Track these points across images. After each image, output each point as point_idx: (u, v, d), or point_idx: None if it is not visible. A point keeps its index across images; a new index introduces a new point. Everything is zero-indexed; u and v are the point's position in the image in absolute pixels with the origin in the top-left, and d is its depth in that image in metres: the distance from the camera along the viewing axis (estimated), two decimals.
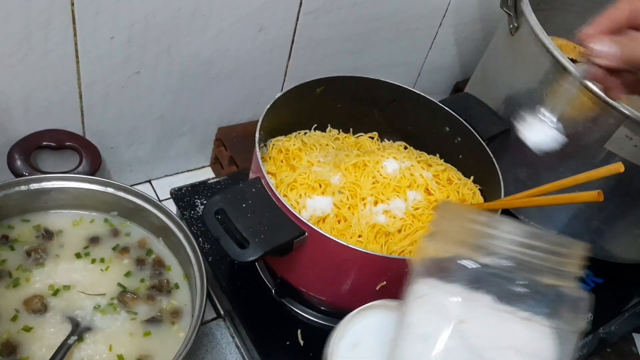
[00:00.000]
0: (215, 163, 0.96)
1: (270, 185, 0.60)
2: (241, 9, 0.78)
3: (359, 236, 0.66)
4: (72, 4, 0.65)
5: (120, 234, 0.75)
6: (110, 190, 0.73)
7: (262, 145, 0.75)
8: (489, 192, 0.76)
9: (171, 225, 0.72)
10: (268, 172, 0.69)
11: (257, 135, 0.65)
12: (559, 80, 0.74)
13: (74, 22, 0.66)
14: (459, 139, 0.79)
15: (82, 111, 0.76)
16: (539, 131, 0.78)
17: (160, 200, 0.90)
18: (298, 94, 0.75)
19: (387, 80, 0.81)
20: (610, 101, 0.68)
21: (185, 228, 0.71)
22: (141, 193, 0.73)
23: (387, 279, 0.58)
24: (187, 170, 0.96)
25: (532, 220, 0.84)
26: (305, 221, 0.57)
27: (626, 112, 0.67)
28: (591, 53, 0.43)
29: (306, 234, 0.57)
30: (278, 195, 0.59)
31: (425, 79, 1.12)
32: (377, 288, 0.58)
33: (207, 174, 0.97)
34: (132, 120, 0.82)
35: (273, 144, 0.74)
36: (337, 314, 0.57)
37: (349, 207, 0.67)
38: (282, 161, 0.72)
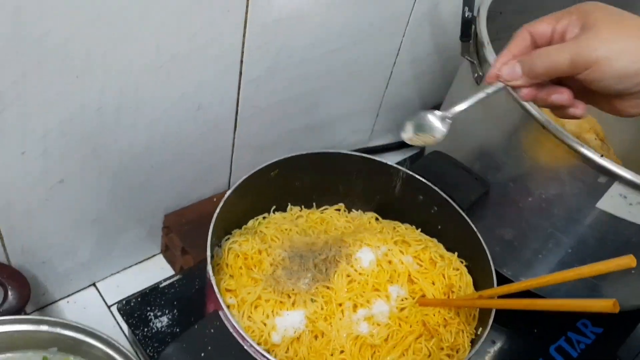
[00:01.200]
0: (167, 250, 0.86)
1: (233, 322, 0.50)
2: (173, 92, 0.68)
3: (341, 351, 0.57)
4: None
5: None
6: (44, 327, 0.62)
7: (216, 247, 0.65)
8: (475, 266, 0.69)
9: (116, 356, 0.62)
10: (227, 290, 0.59)
11: (208, 258, 0.55)
12: (535, 134, 0.67)
13: None
14: (436, 209, 0.71)
15: (1, 237, 0.65)
16: (522, 190, 0.71)
17: (109, 307, 0.81)
18: (250, 183, 0.66)
19: (348, 151, 0.74)
20: (600, 161, 0.61)
21: (133, 358, 0.61)
22: (81, 327, 0.62)
23: None
24: (136, 263, 0.85)
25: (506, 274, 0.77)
26: None
27: (619, 171, 0.61)
28: (502, 80, 0.49)
29: None
30: (242, 332, 0.50)
31: (384, 119, 1.04)
32: None
33: (158, 263, 0.86)
34: (63, 231, 0.71)
35: (229, 248, 0.64)
36: None
37: (325, 318, 0.59)
38: (240, 268, 0.63)
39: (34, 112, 0.57)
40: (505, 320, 0.78)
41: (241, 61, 0.71)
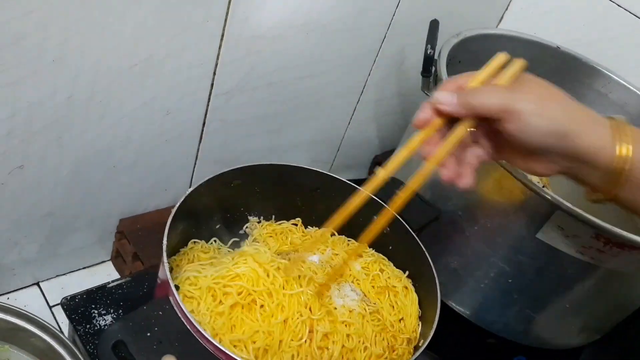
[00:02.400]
0: (117, 257, 0.85)
1: (181, 306, 0.51)
2: (145, 93, 0.69)
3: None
4: None
5: None
6: None
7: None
8: (421, 285, 0.71)
9: (59, 348, 0.61)
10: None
11: (164, 250, 0.56)
12: (489, 170, 0.71)
13: None
14: (388, 229, 0.73)
15: None
16: (469, 218, 0.74)
17: (51, 307, 0.79)
18: (209, 187, 0.67)
19: (309, 167, 0.76)
20: (541, 192, 0.66)
21: (78, 352, 0.60)
22: (18, 310, 0.61)
23: None
24: (84, 267, 0.84)
25: (467, 310, 0.80)
26: (223, 348, 0.49)
27: (557, 202, 0.65)
28: (435, 101, 0.52)
29: None
30: (190, 319, 0.50)
31: (344, 154, 1.08)
32: None
33: (106, 270, 0.85)
34: (14, 219, 0.70)
35: (186, 276, 0.64)
36: None
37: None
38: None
39: (4, 90, 0.58)
40: (444, 350, 0.80)
41: (214, 72, 0.74)
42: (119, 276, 0.85)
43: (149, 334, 0.49)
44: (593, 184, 0.52)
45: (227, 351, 0.49)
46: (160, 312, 0.50)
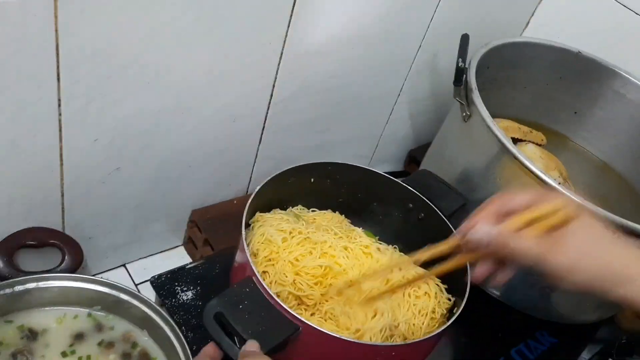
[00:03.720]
0: (188, 243, 0.98)
1: (264, 285, 0.63)
2: (217, 102, 0.82)
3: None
4: (60, 114, 0.67)
5: (104, 328, 0.76)
6: (93, 286, 0.74)
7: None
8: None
9: (153, 315, 0.74)
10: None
11: (242, 236, 0.68)
12: (507, 164, 0.82)
13: (60, 131, 0.69)
14: (422, 215, 0.85)
15: (63, 209, 0.77)
16: None
17: (136, 285, 0.92)
18: (274, 183, 0.79)
19: (353, 163, 0.87)
20: (552, 182, 0.76)
21: (169, 318, 0.73)
22: (124, 287, 0.74)
23: None
24: (161, 252, 0.98)
25: (496, 290, 0.91)
26: (299, 317, 0.61)
27: (566, 193, 0.76)
28: (465, 243, 0.57)
29: (300, 328, 0.60)
30: (271, 293, 0.62)
31: (382, 149, 1.19)
32: None
33: (179, 254, 0.99)
34: (110, 212, 0.83)
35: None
36: None
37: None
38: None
39: (110, 107, 0.71)
40: (475, 324, 0.91)
41: (273, 85, 0.86)
42: (190, 259, 0.98)
43: (241, 307, 0.61)
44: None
45: (301, 318, 0.61)
46: (247, 290, 0.63)
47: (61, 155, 0.71)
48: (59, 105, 0.66)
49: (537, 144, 0.98)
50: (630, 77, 1.04)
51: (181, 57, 0.72)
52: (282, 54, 0.82)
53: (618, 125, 1.08)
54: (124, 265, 0.94)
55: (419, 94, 1.13)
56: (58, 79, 0.64)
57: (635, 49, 1.06)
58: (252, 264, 0.65)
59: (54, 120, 0.67)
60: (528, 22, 1.16)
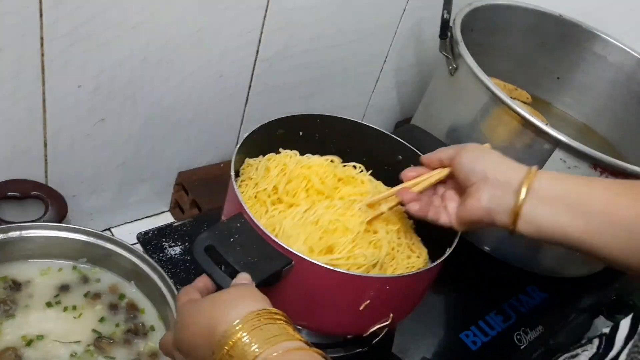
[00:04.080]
0: (175, 208, 0.97)
1: (254, 220, 0.62)
2: (203, 57, 0.81)
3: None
4: (42, 55, 0.66)
5: (90, 280, 0.74)
6: (79, 236, 0.73)
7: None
8: None
9: (145, 267, 0.73)
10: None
11: (232, 172, 0.67)
12: (496, 112, 0.82)
13: (43, 72, 0.68)
14: (411, 166, 0.84)
15: (46, 160, 0.76)
16: None
17: None
18: (262, 133, 0.79)
19: (345, 117, 0.86)
20: (543, 126, 0.77)
21: (158, 267, 0.71)
22: (112, 238, 0.73)
23: (370, 298, 0.61)
24: (147, 217, 0.96)
25: (487, 246, 0.91)
26: (292, 250, 0.60)
27: (559, 137, 0.76)
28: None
29: (293, 262, 0.59)
30: (262, 228, 0.61)
31: (368, 120, 1.18)
32: (361, 308, 0.61)
33: (167, 219, 0.97)
34: (94, 168, 0.82)
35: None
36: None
37: None
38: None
39: (94, 51, 0.70)
40: (466, 278, 0.91)
41: (259, 40, 0.86)
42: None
43: (232, 240, 0.59)
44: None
45: (294, 251, 0.60)
46: (238, 224, 0.61)
47: (44, 100, 0.70)
48: (42, 44, 0.65)
49: (522, 102, 0.99)
50: (611, 39, 1.06)
51: (166, 2, 0.71)
52: (267, 7, 0.82)
53: (599, 88, 1.10)
54: (109, 229, 0.92)
55: (405, 62, 1.13)
56: (41, 15, 0.63)
57: (615, 11, 1.08)
58: (241, 201, 0.64)
59: (37, 60, 0.66)
60: None
